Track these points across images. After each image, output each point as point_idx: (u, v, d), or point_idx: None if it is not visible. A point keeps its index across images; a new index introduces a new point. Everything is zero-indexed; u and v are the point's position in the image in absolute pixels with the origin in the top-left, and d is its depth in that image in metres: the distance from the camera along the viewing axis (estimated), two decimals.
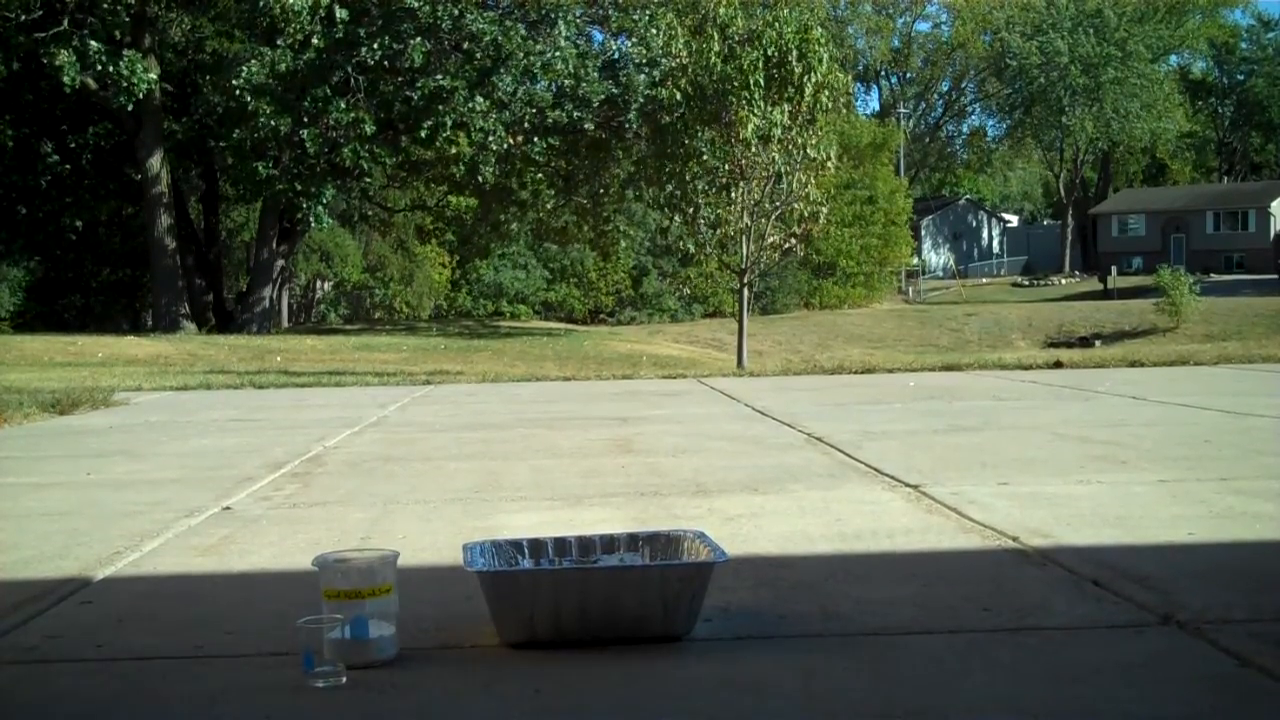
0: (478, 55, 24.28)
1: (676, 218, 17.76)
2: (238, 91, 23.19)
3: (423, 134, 24.50)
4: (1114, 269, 53.08)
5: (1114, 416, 6.05)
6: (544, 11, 24.89)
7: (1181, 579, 2.52)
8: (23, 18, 23.37)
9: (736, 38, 16.66)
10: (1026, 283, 59.19)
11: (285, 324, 33.28)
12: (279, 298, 31.44)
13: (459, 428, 6.28)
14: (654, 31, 23.63)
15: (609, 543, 2.31)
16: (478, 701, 1.84)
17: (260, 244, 29.20)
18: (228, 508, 3.79)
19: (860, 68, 66.70)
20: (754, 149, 16.31)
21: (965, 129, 72.41)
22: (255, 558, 2.98)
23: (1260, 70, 69.61)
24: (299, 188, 25.09)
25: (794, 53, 16.13)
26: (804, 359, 25.58)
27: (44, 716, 1.77)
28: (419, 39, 23.82)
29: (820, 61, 16.23)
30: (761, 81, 16.14)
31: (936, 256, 68.78)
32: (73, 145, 29.06)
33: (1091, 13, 59.48)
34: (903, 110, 67.56)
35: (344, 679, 1.91)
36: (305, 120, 24.01)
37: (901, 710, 1.76)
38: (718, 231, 17.16)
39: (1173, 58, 66.80)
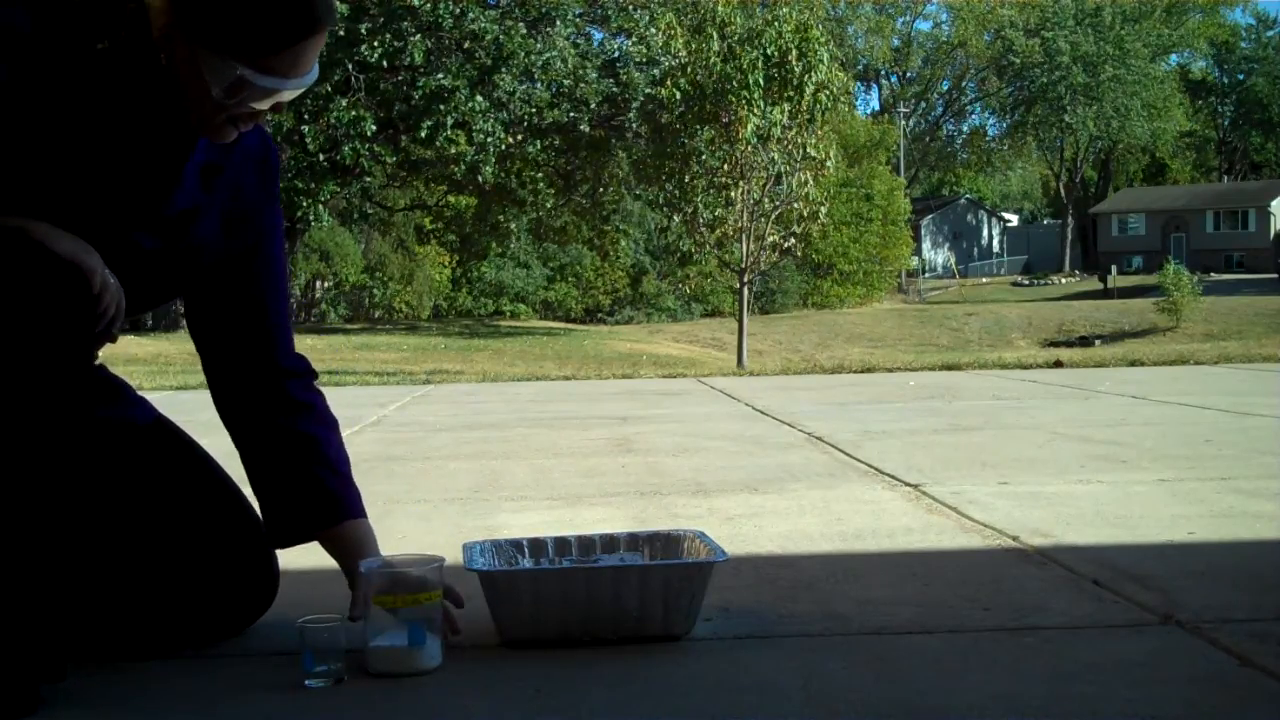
0: (478, 54, 24.25)
1: (676, 217, 17.78)
2: None
3: (423, 133, 24.49)
4: (1114, 268, 53.16)
5: (1114, 416, 6.05)
6: (543, 10, 24.86)
7: (1182, 578, 2.52)
8: None
9: (736, 37, 16.68)
10: (1026, 282, 59.24)
11: None
12: None
13: (459, 427, 6.28)
14: (653, 31, 23.63)
15: (609, 542, 2.31)
16: (478, 701, 1.84)
17: None
18: None
19: (860, 67, 66.75)
20: (753, 148, 16.33)
21: (965, 128, 72.45)
22: None
23: (1260, 69, 69.63)
24: (299, 186, 25.08)
25: (793, 52, 16.17)
26: (804, 358, 25.62)
27: (41, 717, 1.77)
28: (419, 37, 23.81)
29: (820, 61, 16.26)
30: (761, 81, 16.16)
31: (936, 256, 68.81)
32: None
33: (1091, 11, 59.52)
34: (903, 109, 67.61)
35: (344, 678, 1.91)
36: (306, 117, 23.99)
37: (902, 710, 1.76)
38: (717, 231, 17.19)
39: (1172, 57, 66.81)
